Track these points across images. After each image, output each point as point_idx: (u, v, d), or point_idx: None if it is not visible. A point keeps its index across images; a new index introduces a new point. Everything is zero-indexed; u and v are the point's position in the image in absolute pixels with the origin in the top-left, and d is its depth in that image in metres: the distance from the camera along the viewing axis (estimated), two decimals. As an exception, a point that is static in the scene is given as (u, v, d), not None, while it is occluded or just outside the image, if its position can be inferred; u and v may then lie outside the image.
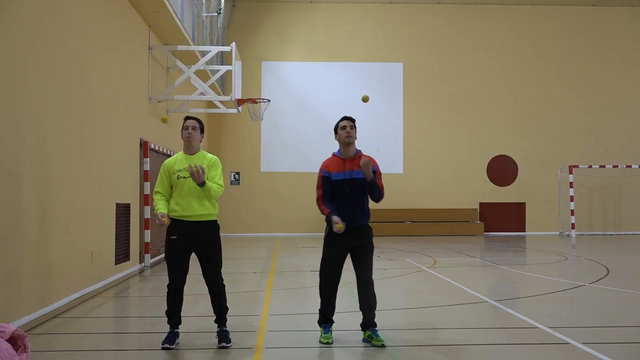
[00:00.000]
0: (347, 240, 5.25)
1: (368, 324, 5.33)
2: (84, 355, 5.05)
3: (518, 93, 21.82)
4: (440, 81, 21.69)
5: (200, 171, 4.99)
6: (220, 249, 5.33)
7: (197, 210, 5.15)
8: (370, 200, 5.45)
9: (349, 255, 5.40)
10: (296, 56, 21.59)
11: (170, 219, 5.24)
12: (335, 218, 5.11)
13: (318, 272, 5.45)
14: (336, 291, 5.43)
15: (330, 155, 5.48)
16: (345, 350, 5.12)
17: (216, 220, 5.31)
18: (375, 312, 5.37)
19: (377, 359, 4.90)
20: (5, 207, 5.77)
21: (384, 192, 5.37)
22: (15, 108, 6.06)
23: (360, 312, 5.39)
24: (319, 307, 5.47)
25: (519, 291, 8.68)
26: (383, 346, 5.14)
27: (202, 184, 5.04)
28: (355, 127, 5.40)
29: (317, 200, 5.37)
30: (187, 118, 5.42)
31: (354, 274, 5.37)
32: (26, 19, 6.32)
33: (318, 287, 5.45)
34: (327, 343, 5.23)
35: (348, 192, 5.23)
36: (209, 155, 5.41)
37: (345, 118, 5.42)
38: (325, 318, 5.42)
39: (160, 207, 5.18)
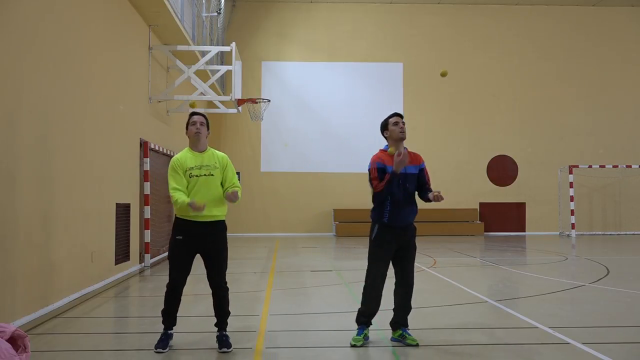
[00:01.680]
0: (397, 239, 5.22)
1: (401, 324, 5.30)
2: (84, 355, 5.04)
3: (518, 93, 21.83)
4: (440, 81, 21.64)
5: (234, 195, 4.98)
6: (227, 251, 5.23)
7: (210, 210, 5.02)
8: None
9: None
10: (296, 56, 21.59)
11: (178, 218, 5.14)
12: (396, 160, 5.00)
13: (365, 273, 5.32)
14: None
15: (377, 151, 5.39)
16: (346, 350, 5.11)
17: (224, 221, 5.22)
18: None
19: (378, 359, 4.90)
20: (5, 207, 5.77)
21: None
22: (15, 108, 6.06)
23: (393, 311, 5.35)
24: (360, 308, 5.35)
25: (519, 291, 8.68)
26: (417, 345, 5.12)
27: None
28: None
29: (373, 181, 5.19)
30: (193, 114, 5.26)
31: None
32: (26, 18, 6.31)
33: (363, 288, 5.32)
34: (354, 346, 5.14)
35: (407, 186, 5.22)
36: (219, 153, 5.27)
37: (395, 114, 5.40)
38: (367, 319, 5.32)
39: (184, 197, 4.97)
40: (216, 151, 5.30)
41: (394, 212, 5.16)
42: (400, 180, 5.17)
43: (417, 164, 5.37)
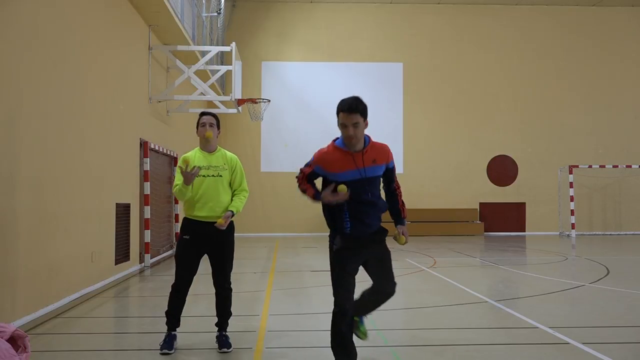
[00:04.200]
0: (362, 249, 4.19)
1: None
2: (84, 355, 5.04)
3: (518, 93, 21.82)
4: (440, 81, 21.68)
5: (225, 222, 4.97)
6: (233, 251, 5.20)
7: (216, 211, 5.02)
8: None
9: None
10: (296, 56, 21.59)
11: (186, 218, 5.13)
12: (326, 193, 4.03)
13: (332, 290, 4.17)
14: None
15: (329, 143, 4.30)
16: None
17: (232, 221, 5.18)
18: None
19: (377, 359, 4.90)
20: (5, 207, 5.76)
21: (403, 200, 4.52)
22: (15, 108, 6.05)
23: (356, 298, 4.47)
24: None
25: (519, 291, 8.68)
26: (365, 338, 4.52)
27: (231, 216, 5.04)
28: (364, 119, 4.24)
29: (299, 183, 4.35)
30: (203, 114, 5.22)
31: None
32: (25, 18, 6.31)
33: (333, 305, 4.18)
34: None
35: (369, 196, 4.11)
36: (229, 154, 5.24)
37: (344, 109, 4.24)
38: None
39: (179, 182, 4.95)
40: (227, 152, 5.26)
41: (359, 225, 4.10)
42: (362, 189, 4.09)
43: (384, 162, 4.24)
